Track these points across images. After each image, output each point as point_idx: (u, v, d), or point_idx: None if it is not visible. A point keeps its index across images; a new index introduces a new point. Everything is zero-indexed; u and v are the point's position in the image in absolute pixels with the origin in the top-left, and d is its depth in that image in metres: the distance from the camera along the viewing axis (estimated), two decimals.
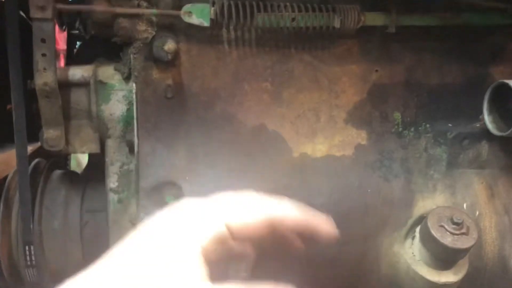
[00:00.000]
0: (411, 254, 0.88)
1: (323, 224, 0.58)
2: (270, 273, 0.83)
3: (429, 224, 0.84)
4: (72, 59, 1.23)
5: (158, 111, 0.85)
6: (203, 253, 0.49)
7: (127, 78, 0.88)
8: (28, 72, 0.83)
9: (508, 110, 0.82)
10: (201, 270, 0.47)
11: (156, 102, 0.85)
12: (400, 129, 0.94)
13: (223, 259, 0.53)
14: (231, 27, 0.85)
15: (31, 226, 0.88)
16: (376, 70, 0.93)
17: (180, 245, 0.49)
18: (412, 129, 0.94)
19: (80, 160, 1.97)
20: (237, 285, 0.48)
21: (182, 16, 0.80)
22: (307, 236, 0.58)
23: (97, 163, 0.98)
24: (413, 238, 0.89)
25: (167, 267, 0.47)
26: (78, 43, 1.25)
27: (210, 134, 0.87)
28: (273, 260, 0.83)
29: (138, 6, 0.81)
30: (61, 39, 1.39)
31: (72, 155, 1.73)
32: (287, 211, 0.56)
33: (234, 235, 0.52)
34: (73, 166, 1.87)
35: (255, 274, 0.74)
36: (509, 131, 0.80)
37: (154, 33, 0.82)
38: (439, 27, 0.90)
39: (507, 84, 0.80)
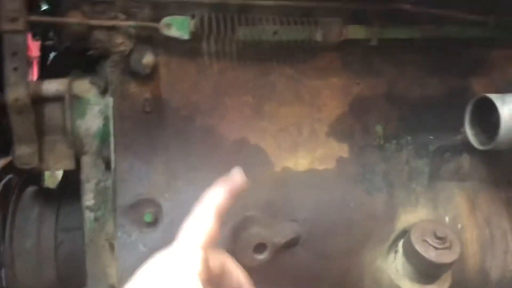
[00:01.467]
0: (394, 268, 0.88)
1: (238, 184, 0.73)
2: None
3: (412, 239, 0.83)
4: (46, 69, 1.19)
5: (136, 126, 0.83)
6: (200, 277, 0.59)
7: (103, 92, 0.85)
8: None
9: (490, 124, 0.82)
10: None
11: (134, 116, 0.82)
12: (382, 142, 0.94)
13: (212, 277, 0.64)
14: (212, 40, 0.83)
15: (2, 247, 0.84)
16: (358, 83, 0.93)
17: (179, 278, 0.58)
18: (394, 141, 0.94)
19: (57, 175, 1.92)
20: None
21: (161, 29, 0.78)
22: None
23: (71, 178, 0.95)
24: (396, 252, 0.89)
25: None
26: (52, 53, 1.21)
27: (190, 149, 0.85)
28: (257, 280, 0.82)
29: (115, 18, 0.78)
30: (34, 46, 1.34)
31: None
32: (220, 197, 0.69)
33: (208, 248, 0.64)
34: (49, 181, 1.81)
35: None
36: (491, 145, 0.80)
37: (132, 46, 0.80)
38: (420, 40, 0.90)
39: (488, 98, 0.80)
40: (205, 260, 0.63)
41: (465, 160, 0.94)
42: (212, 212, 0.68)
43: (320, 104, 0.91)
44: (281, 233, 0.83)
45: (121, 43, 0.79)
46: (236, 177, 0.73)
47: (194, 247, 0.64)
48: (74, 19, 0.78)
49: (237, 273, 0.69)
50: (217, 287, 0.67)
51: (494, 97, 0.80)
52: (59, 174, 1.15)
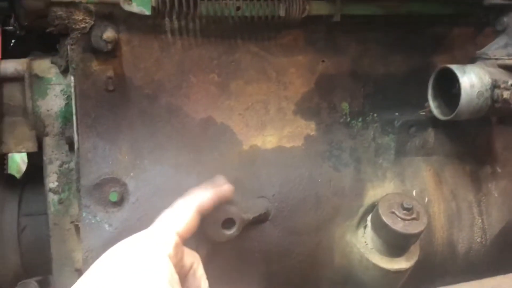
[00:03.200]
0: (363, 243, 0.88)
1: (224, 191, 0.75)
2: (224, 268, 0.81)
3: (380, 211, 0.84)
4: (7, 55, 1.16)
5: (99, 105, 0.81)
6: (170, 260, 0.60)
7: (64, 71, 0.84)
8: None
9: (452, 95, 0.83)
10: (171, 276, 0.59)
11: (97, 95, 0.81)
12: (348, 119, 0.95)
13: (181, 271, 0.65)
14: (174, 16, 0.82)
15: None
16: (323, 61, 0.93)
17: (149, 256, 0.59)
18: (360, 119, 0.95)
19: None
20: None
21: (122, 4, 0.76)
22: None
23: (37, 164, 0.92)
24: (365, 227, 0.89)
25: (139, 277, 0.56)
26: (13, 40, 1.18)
27: (155, 128, 0.84)
28: (227, 256, 0.81)
29: None
30: None
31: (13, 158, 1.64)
32: (205, 195, 0.72)
33: (183, 238, 0.66)
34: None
35: (210, 270, 0.72)
36: (453, 115, 0.82)
37: (92, 22, 0.78)
38: (383, 16, 0.91)
39: (449, 69, 0.81)
40: (178, 246, 0.64)
41: (430, 135, 0.96)
42: (194, 207, 0.69)
43: (286, 82, 0.91)
44: (250, 209, 0.82)
45: (81, 19, 0.77)
46: (225, 186, 0.75)
47: (169, 231, 0.65)
48: None
49: (201, 277, 0.70)
50: (182, 281, 0.67)
51: (455, 67, 0.81)
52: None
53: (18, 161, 2.19)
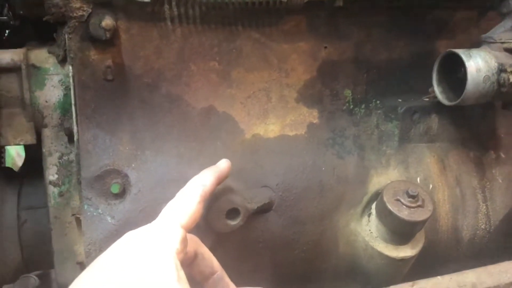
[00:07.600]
0: (368, 231, 0.88)
1: (222, 170, 0.75)
2: (229, 258, 0.80)
3: (385, 199, 0.83)
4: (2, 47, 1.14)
5: (98, 95, 0.79)
6: (177, 256, 0.58)
7: (62, 61, 0.82)
8: None
9: (457, 80, 0.82)
10: (178, 273, 0.56)
11: (96, 85, 0.79)
12: (351, 106, 0.93)
13: (185, 259, 0.64)
14: (174, 3, 0.80)
15: None
16: (325, 47, 0.91)
17: (155, 252, 0.58)
18: (363, 106, 0.94)
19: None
20: None
21: None
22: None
23: (35, 157, 0.91)
24: (370, 215, 0.89)
25: (146, 274, 0.55)
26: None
27: (156, 118, 0.82)
28: (231, 246, 0.80)
29: None
30: None
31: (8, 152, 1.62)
32: (206, 181, 0.71)
33: (188, 229, 0.64)
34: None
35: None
36: (458, 100, 0.81)
37: (90, 10, 0.76)
38: (385, 1, 0.89)
39: (455, 53, 0.80)
40: (184, 240, 0.62)
41: (434, 121, 0.95)
42: (197, 195, 0.68)
43: (288, 69, 0.90)
44: (254, 199, 0.81)
45: (78, 7, 0.75)
46: (223, 165, 0.75)
47: (175, 225, 0.63)
48: None
49: (210, 257, 0.69)
50: (188, 269, 0.67)
51: (460, 51, 0.80)
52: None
53: (14, 155, 2.17)
